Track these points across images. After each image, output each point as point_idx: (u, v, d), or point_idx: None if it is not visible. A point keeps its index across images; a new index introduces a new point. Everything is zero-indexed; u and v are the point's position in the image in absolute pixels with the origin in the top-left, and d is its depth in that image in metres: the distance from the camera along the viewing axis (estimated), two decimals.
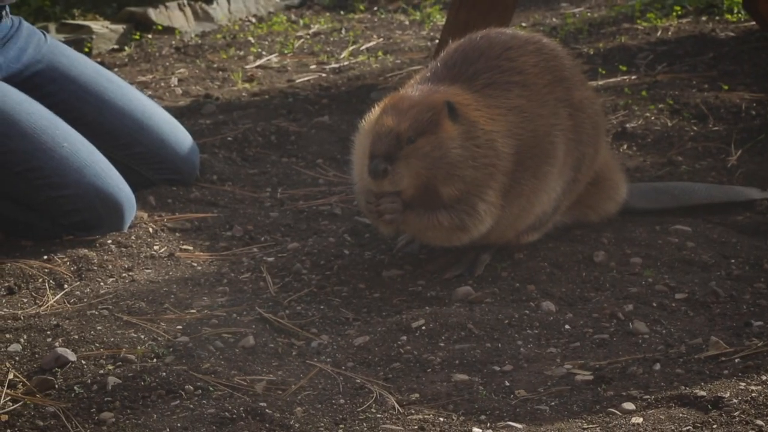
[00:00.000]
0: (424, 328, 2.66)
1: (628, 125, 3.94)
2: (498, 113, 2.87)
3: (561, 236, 3.14)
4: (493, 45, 2.99)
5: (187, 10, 6.57)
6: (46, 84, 3.53)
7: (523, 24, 5.72)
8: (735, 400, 2.25)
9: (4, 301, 2.92)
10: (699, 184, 3.41)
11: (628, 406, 2.30)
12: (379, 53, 5.39)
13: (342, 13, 6.61)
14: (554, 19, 5.81)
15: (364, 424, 2.30)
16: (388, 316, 2.77)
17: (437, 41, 5.28)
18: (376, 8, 6.63)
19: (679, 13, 5.49)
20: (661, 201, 3.31)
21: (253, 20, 6.67)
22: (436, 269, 3.00)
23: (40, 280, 3.03)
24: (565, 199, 3.05)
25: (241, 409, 2.32)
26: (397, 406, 2.36)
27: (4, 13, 3.54)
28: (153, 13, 6.42)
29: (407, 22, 6.20)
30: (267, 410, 2.32)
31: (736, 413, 2.21)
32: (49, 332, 2.66)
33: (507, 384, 2.43)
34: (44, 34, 3.68)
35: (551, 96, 2.96)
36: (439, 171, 2.80)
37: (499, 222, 2.91)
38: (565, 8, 6.08)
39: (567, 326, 2.67)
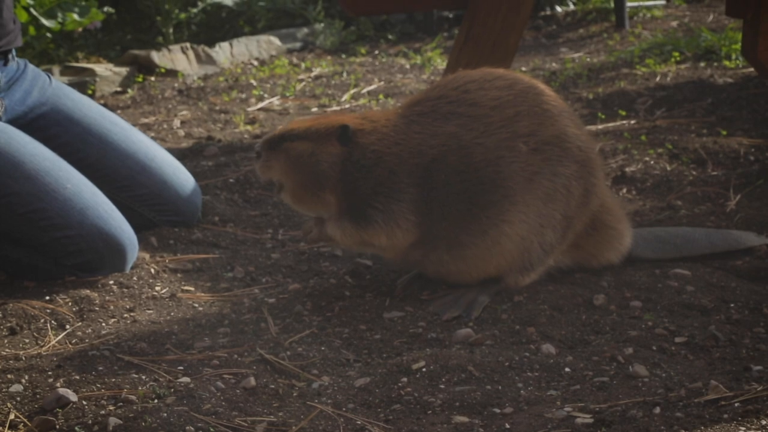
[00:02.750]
0: (424, 369, 2.67)
1: (627, 169, 3.96)
2: (405, 138, 3.00)
3: (561, 279, 3.15)
4: (460, 79, 3.10)
5: (190, 53, 6.63)
6: (50, 126, 3.56)
7: (523, 68, 5.76)
8: None
9: (6, 341, 2.92)
10: (699, 230, 3.42)
11: None
12: (381, 96, 5.43)
13: (343, 56, 6.66)
14: (554, 64, 5.86)
15: None
16: (389, 358, 2.78)
17: None
18: (377, 52, 6.68)
19: (678, 59, 5.54)
20: (664, 251, 3.32)
21: (255, 63, 6.72)
22: (435, 310, 3.02)
23: (42, 320, 3.04)
24: (555, 237, 3.05)
25: None
26: None
27: (10, 56, 3.57)
28: (156, 56, 6.47)
29: (408, 66, 6.24)
30: None
31: None
32: (50, 372, 2.67)
33: (507, 426, 2.44)
34: (49, 77, 3.71)
35: (506, 129, 2.99)
36: (311, 177, 3.02)
37: (461, 254, 3.03)
38: (565, 53, 6.13)
39: (567, 369, 2.68)
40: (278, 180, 3.09)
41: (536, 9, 7.66)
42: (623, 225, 3.25)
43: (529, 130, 3.01)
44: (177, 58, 6.56)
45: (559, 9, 7.67)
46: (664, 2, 7.85)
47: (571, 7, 7.67)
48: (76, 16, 6.26)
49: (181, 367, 2.72)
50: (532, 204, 3.01)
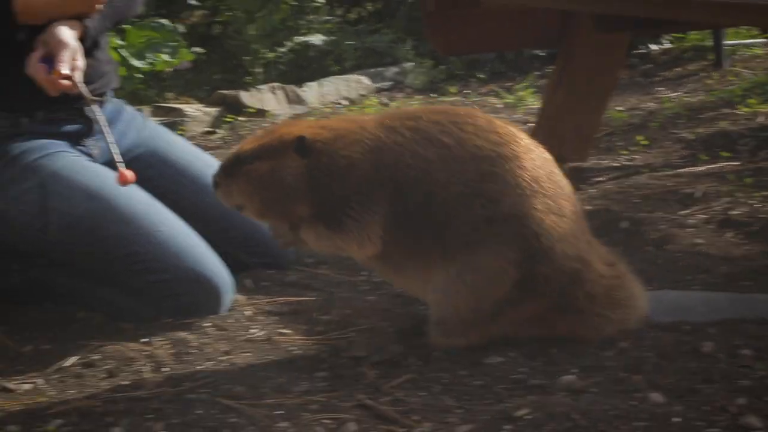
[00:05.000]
0: (528, 417, 2.60)
1: (732, 212, 3.87)
2: (382, 147, 2.92)
3: (665, 326, 3.07)
4: (465, 116, 2.98)
5: (279, 92, 6.66)
6: (144, 168, 3.56)
7: (619, 108, 5.70)
8: None
9: (104, 383, 2.92)
10: (724, 295, 3.26)
11: None
12: None
13: (433, 95, 6.64)
14: (651, 104, 5.79)
15: None
16: (491, 405, 2.71)
17: (531, 125, 5.27)
18: (467, 91, 6.66)
19: None
20: (687, 318, 3.18)
21: (345, 102, 6.73)
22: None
23: (140, 362, 3.03)
24: (483, 316, 2.93)
25: None
26: None
27: (106, 97, 3.59)
28: (245, 96, 6.51)
29: (500, 105, 6.20)
30: None
31: None
32: (149, 416, 2.65)
33: None
34: (144, 118, 3.73)
35: (473, 184, 2.88)
36: (277, 193, 2.94)
37: (404, 280, 3.05)
38: (662, 92, 6.06)
39: (676, 419, 2.59)
40: (240, 203, 3.02)
41: (631, 47, 7.57)
42: (621, 311, 3.03)
43: (493, 196, 2.87)
44: (266, 98, 6.59)
45: (654, 47, 7.57)
46: (764, 40, 7.70)
47: (667, 45, 7.57)
48: (166, 57, 6.32)
49: (280, 412, 2.68)
50: (468, 271, 2.89)
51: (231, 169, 2.99)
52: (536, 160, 2.95)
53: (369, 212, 2.91)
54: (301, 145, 2.93)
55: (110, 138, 3.18)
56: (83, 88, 3.24)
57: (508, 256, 2.88)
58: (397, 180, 2.90)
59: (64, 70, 3.21)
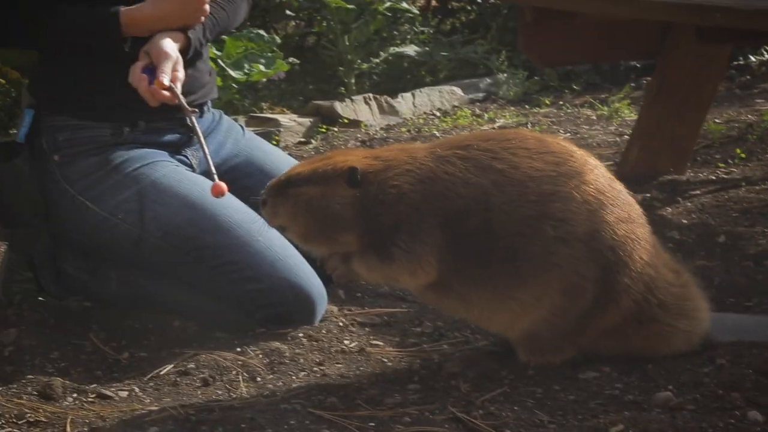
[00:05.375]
0: None
1: None
2: (433, 177, 2.89)
3: (765, 344, 3.01)
4: (513, 138, 2.97)
5: (373, 103, 6.67)
6: (241, 178, 3.59)
7: (717, 120, 5.61)
8: None
9: (199, 392, 2.95)
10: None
11: None
12: None
13: (527, 107, 6.61)
14: (750, 116, 5.70)
15: None
16: (585, 420, 2.68)
17: (627, 137, 5.22)
18: (561, 102, 6.61)
19: None
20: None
21: (438, 114, 6.72)
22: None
23: (234, 372, 3.05)
24: (567, 329, 2.92)
25: None
26: None
27: (205, 107, 3.64)
28: (339, 107, 6.53)
29: (594, 117, 6.15)
30: None
31: None
32: (244, 425, 2.67)
33: None
34: (242, 128, 3.76)
35: (537, 206, 2.85)
36: (324, 219, 2.93)
37: (470, 308, 2.97)
38: (761, 105, 5.96)
39: None
40: (284, 224, 3.01)
41: (730, 59, 7.45)
42: (689, 322, 3.00)
43: (562, 216, 2.85)
44: (360, 108, 6.61)
45: (753, 59, 7.45)
46: None
47: (767, 56, 7.44)
48: (262, 67, 6.37)
49: (372, 424, 2.68)
50: (546, 293, 2.88)
51: (281, 189, 2.99)
52: (594, 170, 2.93)
53: (418, 242, 2.88)
54: (353, 176, 2.92)
55: (206, 149, 3.22)
56: (182, 100, 3.28)
57: (586, 275, 2.87)
58: (448, 209, 2.89)
59: (165, 81, 3.26)
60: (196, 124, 3.26)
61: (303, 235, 3.00)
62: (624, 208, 2.93)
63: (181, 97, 3.28)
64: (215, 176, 3.17)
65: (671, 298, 2.99)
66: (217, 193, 3.18)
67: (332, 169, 2.95)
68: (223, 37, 6.07)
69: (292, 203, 2.96)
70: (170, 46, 3.33)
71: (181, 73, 3.31)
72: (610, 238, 2.87)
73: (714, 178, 4.88)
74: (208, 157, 3.19)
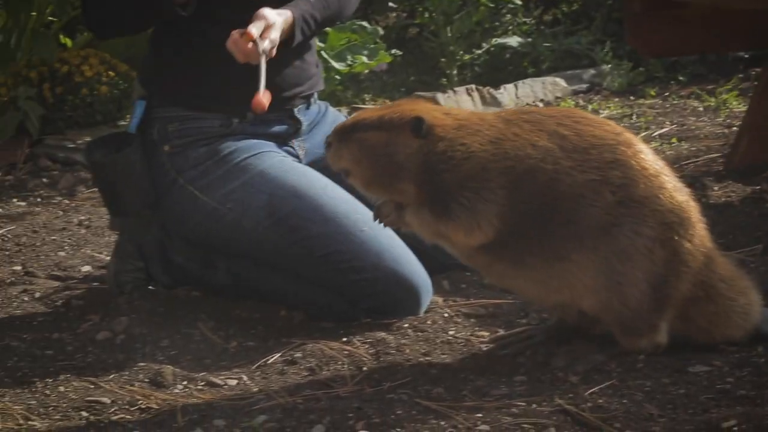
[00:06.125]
0: (736, 429, 2.53)
1: None
2: (502, 138, 2.90)
3: None
4: (576, 112, 3.04)
5: (475, 94, 6.64)
6: None
7: None
8: None
9: (306, 381, 2.97)
10: None
11: None
12: (673, 140, 5.28)
13: (632, 98, 6.53)
14: None
15: None
16: (695, 414, 2.65)
17: (735, 129, 5.13)
18: (667, 93, 6.51)
19: None
20: None
21: (540, 105, 6.67)
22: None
23: (340, 362, 3.07)
24: (643, 297, 2.90)
25: None
26: None
27: (312, 99, 3.66)
28: (442, 98, 6.51)
29: (701, 108, 6.05)
30: None
31: None
32: (351, 415, 2.68)
33: None
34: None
35: (599, 171, 2.89)
36: (386, 167, 2.93)
37: (524, 274, 2.95)
38: None
39: None
40: (348, 168, 3.01)
41: None
42: (746, 298, 3.01)
43: (621, 182, 2.88)
44: (462, 99, 6.59)
45: None
46: None
47: None
48: (364, 59, 6.39)
49: (479, 415, 2.68)
50: (605, 256, 2.87)
51: (346, 133, 3.00)
52: (645, 146, 3.00)
53: (482, 200, 2.89)
54: (417, 125, 2.93)
55: (263, 69, 3.24)
56: (262, 58, 3.27)
57: (650, 235, 2.87)
58: (517, 169, 2.89)
59: (253, 31, 3.25)
60: (263, 66, 3.25)
61: (365, 180, 3.01)
62: (677, 181, 2.98)
63: (263, 53, 3.26)
64: (262, 87, 3.22)
65: (729, 273, 3.02)
66: (257, 104, 3.20)
67: (398, 117, 2.96)
68: (327, 29, 6.10)
69: (357, 147, 2.98)
70: (269, 12, 3.32)
71: (274, 35, 3.31)
72: (669, 202, 2.91)
73: None
74: (263, 74, 3.24)
